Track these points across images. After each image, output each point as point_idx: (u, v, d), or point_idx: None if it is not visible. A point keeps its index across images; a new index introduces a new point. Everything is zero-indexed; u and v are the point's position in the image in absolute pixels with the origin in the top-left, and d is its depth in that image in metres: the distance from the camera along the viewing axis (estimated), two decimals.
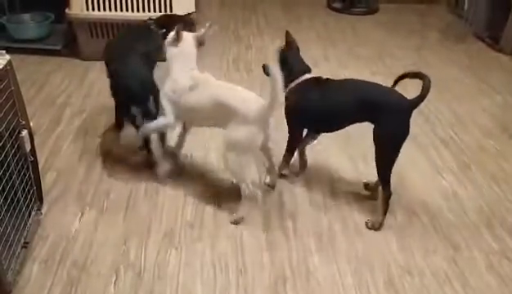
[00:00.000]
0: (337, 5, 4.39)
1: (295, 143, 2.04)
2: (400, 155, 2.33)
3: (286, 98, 1.89)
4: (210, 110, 1.81)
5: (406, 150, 2.33)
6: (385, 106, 1.77)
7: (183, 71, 1.87)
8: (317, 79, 1.92)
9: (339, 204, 1.98)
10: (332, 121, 1.92)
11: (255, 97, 1.79)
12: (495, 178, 2.19)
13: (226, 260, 1.68)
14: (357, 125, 1.90)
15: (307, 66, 1.95)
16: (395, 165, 2.23)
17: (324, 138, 2.40)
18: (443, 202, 2.03)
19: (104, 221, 1.82)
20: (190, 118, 1.96)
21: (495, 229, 1.89)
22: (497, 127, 2.60)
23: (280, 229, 1.84)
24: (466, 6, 3.95)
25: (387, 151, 1.82)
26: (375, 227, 1.85)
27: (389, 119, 1.77)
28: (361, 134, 2.43)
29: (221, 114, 1.78)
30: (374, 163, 1.84)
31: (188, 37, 1.91)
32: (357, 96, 1.81)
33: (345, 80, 1.95)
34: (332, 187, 2.08)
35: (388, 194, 1.83)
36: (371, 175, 2.15)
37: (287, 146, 2.04)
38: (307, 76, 1.92)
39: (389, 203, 1.84)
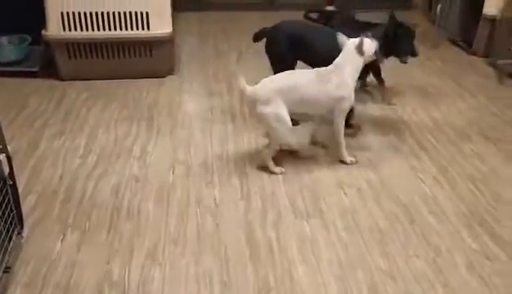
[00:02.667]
0: (313, 15, 4.45)
1: None
2: (380, 161, 2.37)
3: None
4: None
5: (386, 156, 2.39)
6: None
7: None
8: None
9: (322, 212, 2.00)
10: None
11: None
12: (472, 179, 2.23)
13: (211, 275, 1.69)
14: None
15: None
16: (375, 173, 2.27)
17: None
18: (423, 205, 2.06)
19: (86, 242, 1.81)
20: None
21: (474, 230, 1.92)
22: (473, 130, 2.66)
23: (264, 240, 1.85)
24: (439, 12, 4.04)
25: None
26: None
27: None
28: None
29: None
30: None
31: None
32: None
33: None
34: (314, 195, 2.10)
35: None
36: (352, 181, 2.19)
37: None
38: None
39: None
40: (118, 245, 1.80)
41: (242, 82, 2.11)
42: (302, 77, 2.18)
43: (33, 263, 1.72)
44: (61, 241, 1.81)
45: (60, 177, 2.18)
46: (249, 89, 2.11)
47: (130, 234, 1.85)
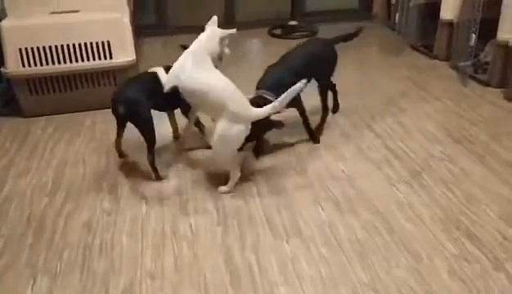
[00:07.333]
0: (277, 31, 4.50)
1: None
2: (354, 172, 2.38)
3: None
4: None
5: (360, 167, 2.39)
6: None
7: None
8: None
9: (300, 229, 1.98)
10: None
11: None
12: (445, 182, 2.25)
13: None
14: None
15: None
16: (350, 184, 2.26)
17: (278, 162, 2.42)
18: (400, 213, 2.06)
19: (58, 286, 1.73)
20: None
21: (452, 233, 1.93)
22: (442, 132, 2.70)
23: (244, 264, 1.81)
24: (398, 20, 4.14)
25: None
26: None
27: None
28: (315, 156, 2.48)
29: None
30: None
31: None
32: None
33: None
34: (291, 213, 2.07)
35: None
36: (327, 194, 2.18)
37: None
38: None
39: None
40: (92, 285, 1.73)
41: None
42: None
43: None
44: (32, 287, 1.73)
45: (28, 218, 2.10)
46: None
47: (104, 272, 1.79)
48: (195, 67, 2.14)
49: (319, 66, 2.54)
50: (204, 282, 1.74)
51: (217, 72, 2.19)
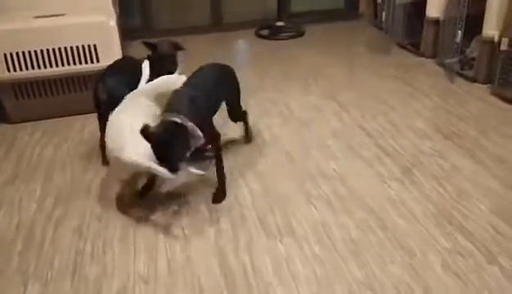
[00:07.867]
0: (264, 32, 4.50)
1: None
2: (346, 171, 2.38)
3: None
4: None
5: (351, 165, 2.39)
6: None
7: None
8: None
9: (293, 229, 1.97)
10: None
11: None
12: (436, 178, 2.26)
13: None
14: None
15: None
16: (342, 183, 2.26)
17: (269, 162, 2.41)
18: (392, 210, 2.06)
19: (50, 292, 1.70)
20: None
21: (444, 228, 1.94)
22: (431, 129, 2.71)
23: (238, 265, 1.79)
24: (384, 19, 4.16)
25: None
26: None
27: None
28: (306, 155, 2.48)
29: None
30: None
31: None
32: None
33: None
34: (284, 212, 2.07)
35: None
36: (319, 193, 2.17)
37: None
38: None
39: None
40: (84, 291, 1.70)
41: None
42: None
43: None
44: None
45: (17, 225, 2.06)
46: None
47: (96, 278, 1.76)
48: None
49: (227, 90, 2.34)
50: (198, 284, 1.72)
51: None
